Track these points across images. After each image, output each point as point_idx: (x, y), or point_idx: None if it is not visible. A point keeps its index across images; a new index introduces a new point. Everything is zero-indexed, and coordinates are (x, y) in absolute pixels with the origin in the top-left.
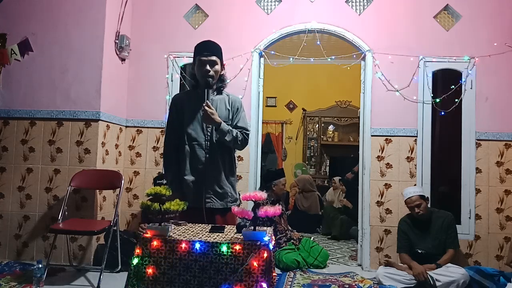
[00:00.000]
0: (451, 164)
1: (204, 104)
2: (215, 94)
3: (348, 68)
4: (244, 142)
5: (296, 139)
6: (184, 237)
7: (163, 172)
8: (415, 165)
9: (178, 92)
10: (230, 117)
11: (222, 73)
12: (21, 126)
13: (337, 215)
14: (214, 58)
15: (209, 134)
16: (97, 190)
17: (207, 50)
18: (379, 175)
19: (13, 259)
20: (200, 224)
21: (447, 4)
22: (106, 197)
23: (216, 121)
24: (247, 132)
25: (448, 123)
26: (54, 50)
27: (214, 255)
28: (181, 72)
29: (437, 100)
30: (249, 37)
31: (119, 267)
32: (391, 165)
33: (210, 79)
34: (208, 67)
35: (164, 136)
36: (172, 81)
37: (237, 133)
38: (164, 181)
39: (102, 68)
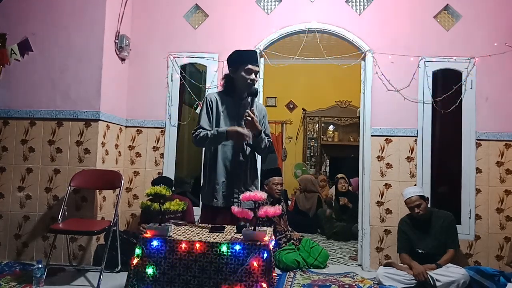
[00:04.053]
0: (451, 164)
1: (249, 111)
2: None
3: (348, 68)
4: (269, 150)
5: (296, 139)
6: (184, 237)
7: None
8: (415, 165)
9: (178, 92)
10: None
11: None
12: (21, 126)
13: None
14: (258, 69)
15: None
16: (97, 190)
17: (256, 61)
18: (379, 175)
19: (13, 259)
20: (200, 224)
21: (447, 4)
22: (106, 197)
23: (258, 129)
24: (271, 140)
25: (448, 123)
26: (54, 50)
27: (214, 255)
28: (181, 72)
29: (437, 100)
30: (249, 37)
31: (119, 267)
32: (391, 165)
33: (254, 87)
34: (254, 76)
35: (193, 128)
36: (172, 81)
37: (267, 140)
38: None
39: (102, 68)
